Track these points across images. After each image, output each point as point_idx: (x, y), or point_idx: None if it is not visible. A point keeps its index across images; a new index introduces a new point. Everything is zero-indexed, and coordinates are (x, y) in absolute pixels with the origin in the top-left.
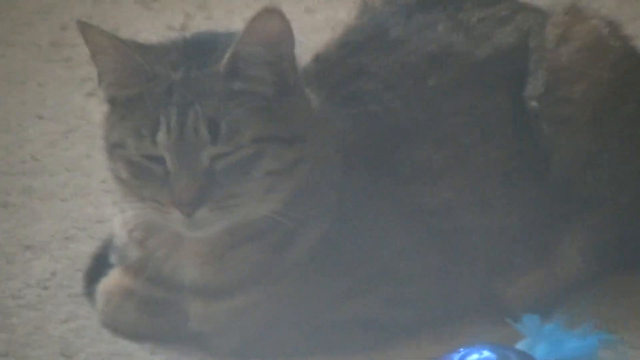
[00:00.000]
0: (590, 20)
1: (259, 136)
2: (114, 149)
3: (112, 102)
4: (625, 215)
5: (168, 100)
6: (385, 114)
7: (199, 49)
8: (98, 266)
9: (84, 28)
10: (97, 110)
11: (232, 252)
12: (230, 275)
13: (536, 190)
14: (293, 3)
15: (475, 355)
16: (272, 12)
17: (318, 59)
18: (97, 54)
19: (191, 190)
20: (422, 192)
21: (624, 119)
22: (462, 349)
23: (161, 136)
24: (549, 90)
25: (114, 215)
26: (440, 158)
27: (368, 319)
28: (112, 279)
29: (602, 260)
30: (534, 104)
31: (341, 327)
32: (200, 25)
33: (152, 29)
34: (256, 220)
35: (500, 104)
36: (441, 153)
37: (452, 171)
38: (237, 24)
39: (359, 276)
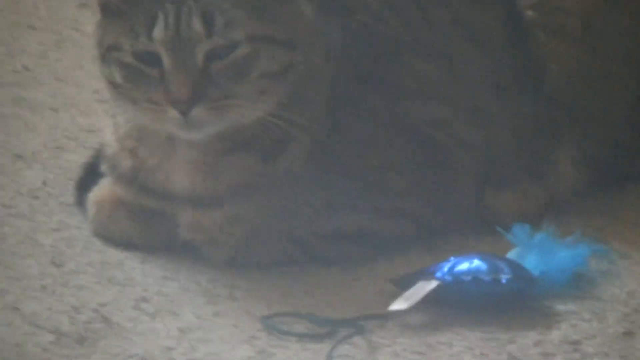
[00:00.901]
0: None
1: (254, 34)
2: (108, 52)
3: (105, 7)
4: (616, 127)
5: None
6: (374, 25)
7: None
8: (89, 175)
9: None
10: (90, 21)
11: (223, 160)
12: (219, 184)
13: (530, 102)
14: None
15: (465, 264)
16: None
17: None
18: None
19: (187, 87)
20: (414, 103)
21: (615, 30)
22: (452, 258)
23: (157, 32)
24: (541, 1)
25: (106, 125)
26: (433, 69)
27: (358, 230)
28: (103, 188)
29: (594, 172)
30: (529, 12)
31: (329, 238)
32: None
33: None
34: (249, 126)
35: (494, 14)
36: (434, 64)
37: (445, 82)
38: None
39: (350, 187)
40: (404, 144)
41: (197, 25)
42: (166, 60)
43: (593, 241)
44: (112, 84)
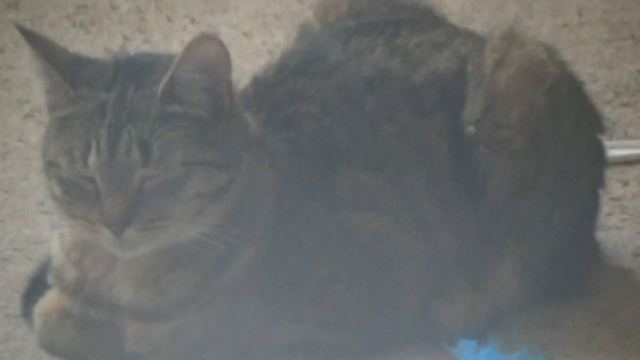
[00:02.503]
0: (528, 46)
1: (190, 160)
2: (49, 167)
3: (50, 115)
4: (559, 239)
5: (100, 121)
6: (322, 137)
7: (136, 70)
8: (35, 287)
9: (24, 32)
10: (35, 132)
11: (165, 275)
12: (165, 298)
13: (472, 214)
14: (231, 27)
15: None
16: (209, 38)
17: (256, 81)
18: (32, 64)
19: (120, 210)
20: (357, 215)
21: (558, 144)
22: None
23: (92, 158)
24: (486, 115)
25: (52, 237)
26: (377, 181)
27: (302, 343)
28: (50, 300)
29: (537, 284)
30: (471, 128)
31: (275, 350)
32: (138, 48)
33: (91, 52)
34: (188, 243)
35: (437, 128)
36: (378, 176)
37: (390, 195)
38: (175, 47)
39: (293, 299)
40: (347, 255)
41: (135, 154)
42: (100, 184)
43: (538, 356)
44: (53, 197)
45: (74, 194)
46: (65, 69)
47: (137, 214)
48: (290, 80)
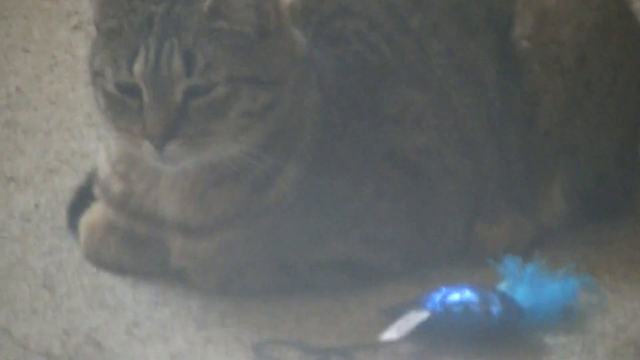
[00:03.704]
0: None
1: (235, 75)
2: (95, 77)
3: (98, 28)
4: (607, 161)
5: (148, 32)
6: (368, 54)
7: None
8: (81, 200)
9: None
10: (83, 44)
11: (211, 191)
12: (210, 213)
13: (521, 134)
14: None
15: (456, 295)
16: None
17: None
18: None
19: (162, 123)
20: (404, 133)
21: (607, 64)
22: (443, 289)
23: (138, 66)
24: (537, 32)
25: (98, 150)
26: (424, 99)
27: (347, 260)
28: (95, 213)
29: (584, 205)
30: (524, 43)
31: (319, 267)
32: None
33: None
34: (232, 160)
35: (485, 46)
36: (425, 94)
37: (436, 112)
38: None
39: (338, 217)
40: (391, 172)
41: (178, 64)
42: (145, 95)
43: (583, 275)
44: (98, 109)
45: (118, 107)
46: None
47: (179, 129)
48: None
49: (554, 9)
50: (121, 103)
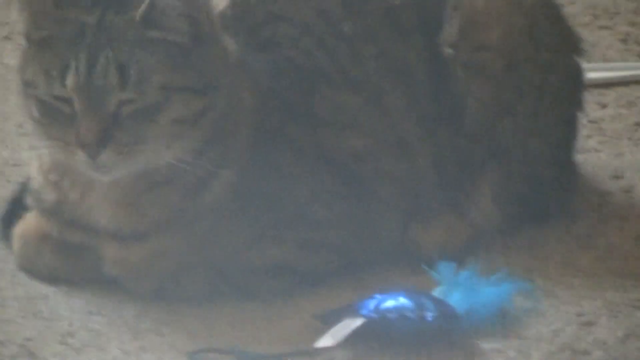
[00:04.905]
0: None
1: (168, 84)
2: (26, 87)
3: (28, 38)
4: (538, 163)
5: (80, 43)
6: (301, 59)
7: None
8: (14, 210)
9: None
10: (13, 54)
11: (144, 197)
12: (143, 219)
13: (451, 137)
14: None
15: (391, 302)
16: None
17: (235, 3)
18: None
19: (95, 132)
20: (338, 136)
21: (537, 67)
22: (378, 295)
23: (70, 78)
24: (464, 37)
25: (30, 159)
26: (358, 102)
27: (281, 264)
28: (29, 223)
29: (515, 209)
30: (449, 50)
31: (255, 271)
32: None
33: None
34: (165, 167)
35: (416, 49)
36: (357, 97)
37: (370, 115)
38: None
39: (272, 220)
40: (326, 175)
41: (113, 77)
42: (77, 106)
43: (518, 279)
44: (31, 118)
45: (51, 116)
46: None
47: (113, 138)
48: (269, 1)
49: (481, 14)
50: (54, 112)
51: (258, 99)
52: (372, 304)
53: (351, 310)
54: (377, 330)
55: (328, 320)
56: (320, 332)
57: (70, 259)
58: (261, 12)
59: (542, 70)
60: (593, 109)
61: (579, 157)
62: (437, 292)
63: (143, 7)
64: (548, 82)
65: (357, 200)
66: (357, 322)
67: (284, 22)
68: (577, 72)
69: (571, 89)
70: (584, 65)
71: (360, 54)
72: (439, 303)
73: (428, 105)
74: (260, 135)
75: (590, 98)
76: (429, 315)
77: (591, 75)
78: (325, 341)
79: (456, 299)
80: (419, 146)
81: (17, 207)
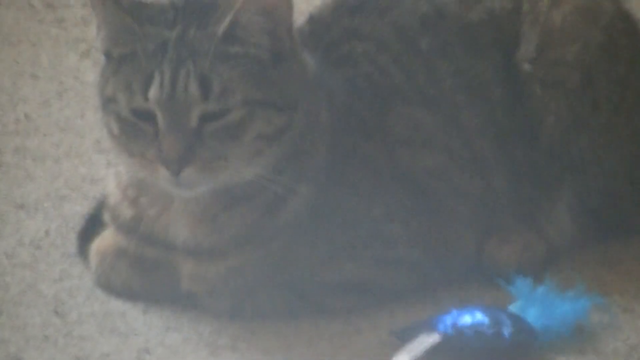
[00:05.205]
0: None
1: (251, 99)
2: (107, 103)
3: (108, 55)
4: (615, 178)
5: (162, 58)
6: (378, 76)
7: (198, 9)
8: (91, 226)
9: None
10: (91, 70)
11: (223, 214)
12: (221, 236)
13: (527, 153)
14: None
15: (467, 317)
16: None
17: (312, 20)
18: (95, 6)
19: (179, 149)
20: (414, 154)
21: (613, 82)
22: (454, 311)
23: (153, 92)
24: (541, 53)
25: (108, 175)
26: (432, 120)
27: (358, 281)
28: (106, 239)
29: (592, 224)
30: (526, 66)
31: (331, 289)
32: None
33: None
34: (245, 184)
35: (492, 67)
36: (433, 115)
37: (445, 133)
38: None
39: (348, 237)
40: (402, 193)
41: (194, 89)
42: (160, 120)
43: (594, 294)
44: (111, 135)
45: (132, 132)
46: (129, 7)
47: (195, 154)
48: (346, 18)
49: (559, 29)
50: (135, 128)
51: (334, 116)
52: (448, 319)
53: (427, 326)
54: (453, 347)
55: (404, 337)
56: (396, 349)
57: (147, 276)
58: (338, 29)
59: (618, 85)
60: None
61: None
62: (513, 308)
63: (225, 23)
64: (624, 96)
65: (433, 218)
66: (434, 338)
67: (361, 39)
68: None
69: None
70: None
71: (436, 71)
72: (515, 319)
73: (504, 121)
74: (336, 152)
75: None
76: (506, 331)
77: None
78: (402, 357)
79: (532, 315)
80: (494, 163)
81: (94, 224)
